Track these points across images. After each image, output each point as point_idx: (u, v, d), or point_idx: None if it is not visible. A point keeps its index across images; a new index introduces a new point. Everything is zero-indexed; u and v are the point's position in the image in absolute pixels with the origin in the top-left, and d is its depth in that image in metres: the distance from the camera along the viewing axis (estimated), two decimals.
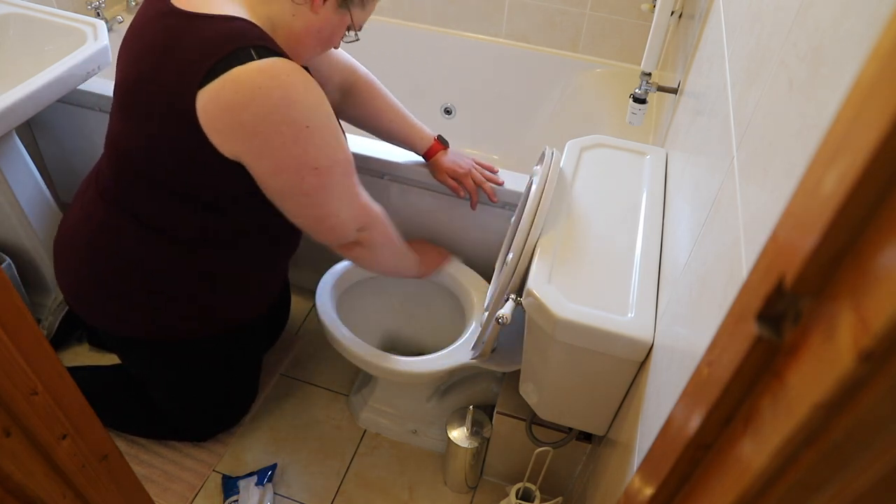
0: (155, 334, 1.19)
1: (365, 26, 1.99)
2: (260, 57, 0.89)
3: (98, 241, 1.12)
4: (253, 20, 0.95)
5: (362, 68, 1.35)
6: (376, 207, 1.15)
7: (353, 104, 1.34)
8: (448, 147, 1.37)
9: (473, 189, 1.34)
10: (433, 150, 1.36)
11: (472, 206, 1.36)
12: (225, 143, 0.93)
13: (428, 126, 1.38)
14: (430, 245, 1.44)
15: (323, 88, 1.29)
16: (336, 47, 1.09)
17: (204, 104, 0.90)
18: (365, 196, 1.12)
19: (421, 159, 1.39)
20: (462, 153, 1.39)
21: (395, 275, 1.36)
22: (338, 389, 1.61)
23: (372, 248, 1.17)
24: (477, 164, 1.38)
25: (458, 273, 1.43)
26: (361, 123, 1.37)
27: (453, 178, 1.35)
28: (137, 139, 1.02)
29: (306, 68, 1.17)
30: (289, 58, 0.95)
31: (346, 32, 1.06)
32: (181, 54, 0.92)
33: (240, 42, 0.90)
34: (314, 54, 1.06)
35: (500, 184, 1.36)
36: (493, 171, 1.38)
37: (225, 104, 0.90)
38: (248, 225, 1.11)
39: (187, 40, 0.92)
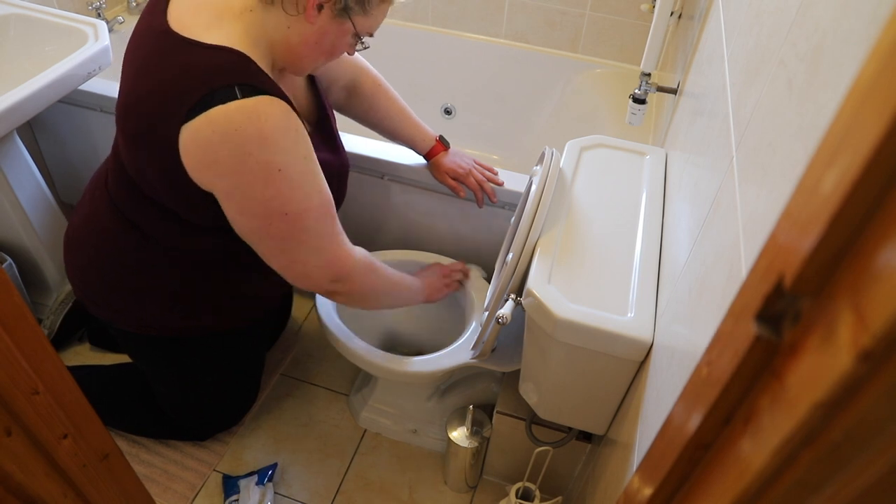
0: (157, 331, 1.19)
1: None
2: (243, 95, 0.87)
3: (103, 239, 1.13)
4: (247, 44, 0.92)
5: (371, 68, 1.35)
6: (356, 255, 1.08)
7: (357, 102, 1.34)
8: (449, 148, 1.38)
9: (476, 187, 1.35)
10: (434, 151, 1.36)
11: (479, 204, 1.37)
12: (201, 178, 0.92)
13: (428, 126, 1.38)
14: (439, 267, 1.38)
15: (330, 89, 1.30)
16: (350, 53, 1.05)
17: (185, 141, 0.89)
18: (342, 245, 1.06)
19: (422, 159, 1.39)
20: (463, 153, 1.39)
21: (391, 308, 1.32)
22: (338, 389, 1.61)
23: (350, 297, 1.13)
24: (477, 164, 1.38)
25: None
26: (365, 121, 1.38)
27: (454, 178, 1.35)
28: (129, 156, 1.01)
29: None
30: (279, 90, 0.92)
31: (357, 40, 1.02)
32: (168, 86, 0.90)
33: (224, 79, 0.87)
34: (318, 64, 1.03)
35: (500, 184, 1.36)
36: (493, 172, 1.38)
37: (202, 142, 0.88)
38: (241, 244, 1.07)
39: (174, 72, 0.90)
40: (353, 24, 0.96)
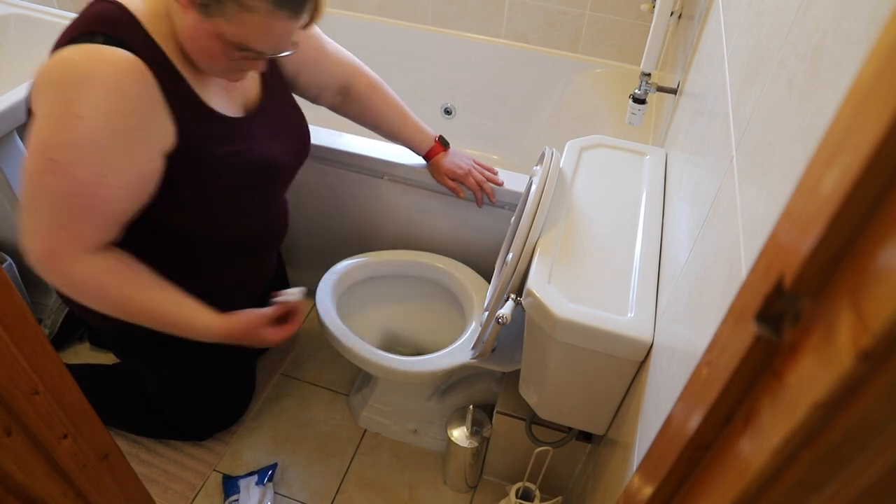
0: (132, 330, 1.18)
1: (365, 27, 1.97)
2: (103, 43, 0.85)
3: None
4: (146, 13, 0.89)
5: (365, 68, 1.34)
6: (78, 265, 0.93)
7: (353, 105, 1.33)
8: (448, 148, 1.38)
9: (475, 187, 1.35)
10: (434, 151, 1.36)
11: (479, 204, 1.37)
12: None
13: (428, 126, 1.38)
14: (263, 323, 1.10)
15: (321, 95, 1.28)
16: (255, 69, 0.95)
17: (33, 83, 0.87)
18: (72, 241, 0.91)
19: (421, 160, 1.39)
20: (462, 153, 1.39)
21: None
22: (338, 389, 1.61)
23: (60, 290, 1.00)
24: (477, 164, 1.38)
25: (459, 273, 1.43)
26: (362, 122, 1.37)
27: (453, 179, 1.35)
28: None
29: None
30: (156, 54, 0.89)
31: (238, 50, 0.90)
32: (50, 48, 0.90)
33: (91, 27, 0.86)
34: (212, 68, 0.94)
35: (500, 184, 1.37)
36: (493, 172, 1.38)
37: (37, 77, 0.86)
38: (182, 237, 1.05)
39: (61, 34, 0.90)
40: (215, 24, 0.87)
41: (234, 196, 1.08)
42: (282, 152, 1.11)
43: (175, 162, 0.95)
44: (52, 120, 0.85)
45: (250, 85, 1.10)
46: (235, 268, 1.19)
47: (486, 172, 1.37)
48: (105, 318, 1.17)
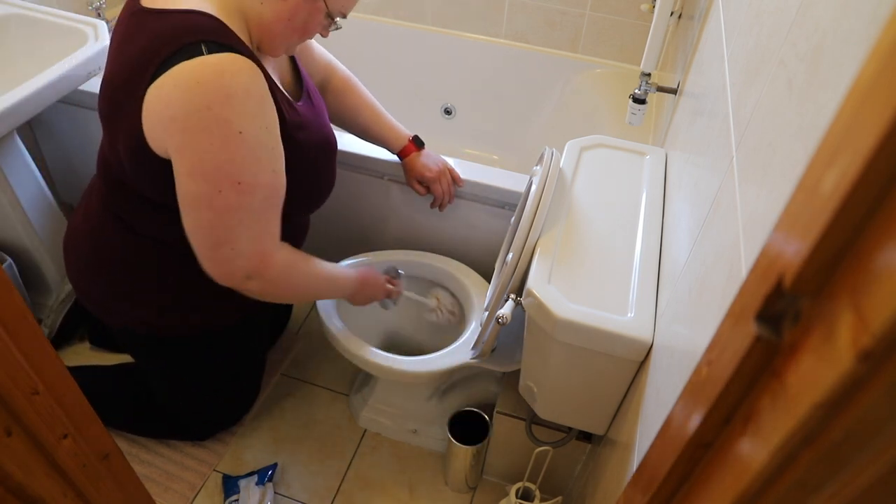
0: (155, 331, 1.19)
1: (365, 27, 1.98)
2: (210, 52, 0.85)
3: (96, 238, 1.13)
4: (222, 14, 0.91)
5: (341, 66, 1.35)
6: (279, 255, 1.00)
7: (328, 101, 1.34)
8: (423, 148, 1.37)
9: (440, 195, 1.36)
10: (406, 151, 1.36)
11: (441, 209, 1.39)
12: (156, 137, 0.89)
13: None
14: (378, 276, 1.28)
15: None
16: (324, 35, 1.03)
17: (148, 102, 0.88)
18: (274, 241, 0.99)
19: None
20: (436, 155, 1.38)
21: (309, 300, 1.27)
22: (338, 389, 1.61)
23: (262, 295, 1.04)
24: (448, 170, 1.37)
25: (459, 273, 1.43)
26: (336, 119, 1.37)
27: (422, 181, 1.36)
28: (107, 140, 1.01)
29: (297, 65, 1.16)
30: (250, 53, 0.91)
31: (331, 21, 1.00)
32: (133, 53, 0.90)
33: (190, 37, 0.86)
34: (291, 43, 1.01)
35: (461, 185, 1.39)
36: (459, 185, 1.38)
37: (163, 99, 0.86)
38: None
39: (140, 38, 0.90)
40: (325, 2, 0.97)
41: (307, 178, 1.10)
42: (332, 133, 1.16)
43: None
44: (220, 147, 0.87)
45: (288, 71, 1.13)
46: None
47: (454, 185, 1.37)
48: (120, 317, 1.17)
